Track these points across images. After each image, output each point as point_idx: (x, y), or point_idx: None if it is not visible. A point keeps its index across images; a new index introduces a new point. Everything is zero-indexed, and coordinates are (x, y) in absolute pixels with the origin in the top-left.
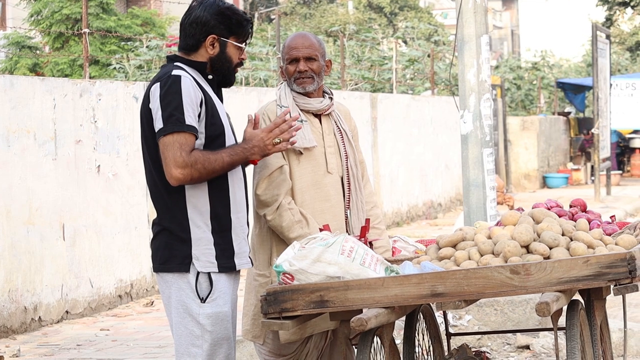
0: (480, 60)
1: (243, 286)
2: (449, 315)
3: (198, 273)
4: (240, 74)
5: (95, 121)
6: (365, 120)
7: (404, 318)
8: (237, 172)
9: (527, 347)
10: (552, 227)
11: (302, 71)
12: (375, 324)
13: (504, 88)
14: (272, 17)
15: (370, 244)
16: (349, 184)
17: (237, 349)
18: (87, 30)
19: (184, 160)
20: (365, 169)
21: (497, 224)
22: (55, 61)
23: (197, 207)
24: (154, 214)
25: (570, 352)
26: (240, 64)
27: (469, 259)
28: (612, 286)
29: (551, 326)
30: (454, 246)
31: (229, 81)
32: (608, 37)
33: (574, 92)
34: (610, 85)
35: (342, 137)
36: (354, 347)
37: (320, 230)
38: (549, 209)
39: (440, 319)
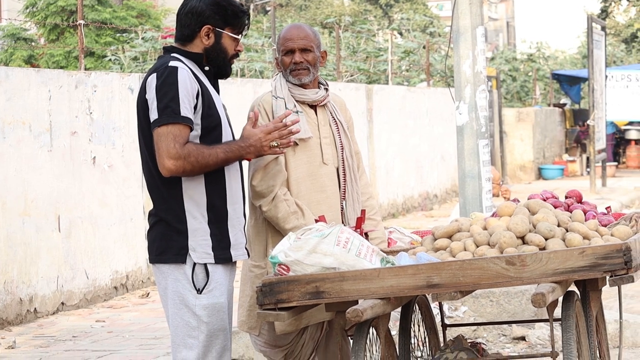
0: (475, 51)
1: (239, 277)
2: (445, 307)
3: (194, 264)
4: (235, 65)
5: (91, 113)
6: (360, 111)
7: (399, 309)
8: (234, 164)
9: (523, 338)
10: (547, 218)
11: (298, 62)
12: (371, 315)
13: (500, 80)
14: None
15: (366, 235)
16: (344, 175)
17: (233, 340)
18: (82, 22)
19: (177, 152)
20: (360, 160)
21: (492, 215)
22: (50, 53)
23: (194, 198)
24: (149, 206)
25: (566, 343)
26: (236, 55)
27: (465, 250)
28: (607, 277)
29: (547, 317)
30: (450, 237)
31: (225, 72)
32: (603, 28)
33: (569, 83)
34: (606, 76)
35: (338, 128)
36: (349, 338)
37: (316, 221)
38: (544, 200)
39: (436, 310)
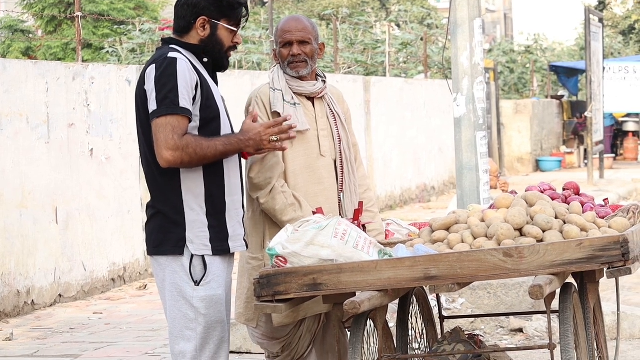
0: (473, 43)
1: (236, 269)
2: (442, 299)
3: (192, 256)
4: (233, 57)
5: (88, 105)
6: (358, 103)
7: (397, 301)
8: (233, 156)
9: (521, 330)
10: (545, 210)
11: (296, 55)
12: (369, 307)
13: (497, 71)
14: (265, 0)
15: (364, 227)
16: (342, 167)
17: (231, 332)
18: (79, 14)
19: (175, 143)
20: (358, 152)
21: (490, 207)
22: (48, 45)
23: (192, 190)
24: (147, 198)
25: (563, 335)
26: (234, 47)
27: (462, 242)
28: (605, 269)
29: (544, 309)
30: (447, 229)
31: (222, 65)
32: (601, 20)
33: (567, 75)
34: (603, 68)
35: (335, 120)
36: (347, 330)
37: (314, 213)
38: (542, 192)
39: (433, 302)
